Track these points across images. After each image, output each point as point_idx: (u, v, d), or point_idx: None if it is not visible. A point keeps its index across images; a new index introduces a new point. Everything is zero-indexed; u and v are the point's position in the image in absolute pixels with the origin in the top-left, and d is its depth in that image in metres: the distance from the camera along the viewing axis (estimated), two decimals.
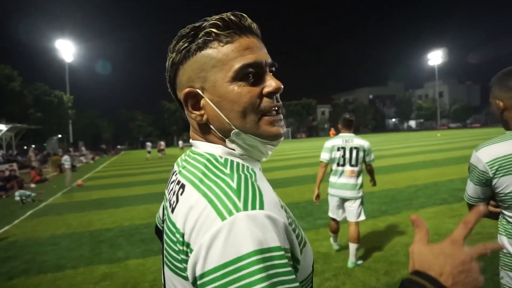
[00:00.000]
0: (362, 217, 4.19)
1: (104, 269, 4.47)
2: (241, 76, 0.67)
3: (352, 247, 4.02)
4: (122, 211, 8.09)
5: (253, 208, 0.57)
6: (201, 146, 0.74)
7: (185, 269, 0.60)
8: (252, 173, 0.68)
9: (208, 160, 0.69)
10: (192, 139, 0.77)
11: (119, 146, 72.80)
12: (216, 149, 0.72)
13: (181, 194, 0.66)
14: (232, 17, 0.69)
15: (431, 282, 0.57)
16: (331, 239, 4.71)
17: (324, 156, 4.34)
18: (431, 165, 12.50)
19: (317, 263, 4.13)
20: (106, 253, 5.13)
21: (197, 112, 0.71)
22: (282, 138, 0.73)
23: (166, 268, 0.67)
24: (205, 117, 0.71)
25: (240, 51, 0.68)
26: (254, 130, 0.69)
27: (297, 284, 0.55)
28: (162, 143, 35.21)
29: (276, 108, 0.71)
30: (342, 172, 4.18)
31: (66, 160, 14.16)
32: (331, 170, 4.34)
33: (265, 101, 0.69)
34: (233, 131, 0.69)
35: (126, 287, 3.89)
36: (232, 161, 0.70)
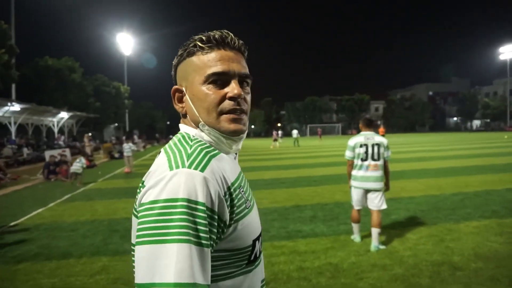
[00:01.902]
0: (384, 206, 4.52)
1: (105, 261, 4.37)
2: (210, 80, 0.84)
3: (375, 231, 4.41)
4: None
5: (196, 169, 0.74)
6: (182, 128, 0.93)
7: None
8: (213, 151, 0.84)
9: (182, 136, 0.89)
10: (180, 124, 0.95)
11: (171, 136, 75.44)
12: (191, 131, 0.90)
13: (156, 157, 0.85)
14: (216, 35, 0.86)
15: None
16: (354, 231, 4.80)
17: (348, 154, 4.66)
18: (489, 170, 11.14)
19: (324, 275, 3.67)
20: (114, 244, 5.06)
21: (180, 105, 0.92)
22: (243, 135, 0.90)
23: (133, 217, 0.82)
24: (184, 109, 0.91)
25: (215, 61, 0.85)
26: (215, 125, 0.86)
27: (206, 236, 0.69)
28: None
29: (238, 109, 0.86)
30: (367, 166, 4.48)
31: (125, 148, 14.70)
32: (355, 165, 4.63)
33: (227, 103, 0.85)
34: (200, 123, 0.87)
35: (117, 283, 3.74)
36: (199, 140, 0.86)
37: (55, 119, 30.29)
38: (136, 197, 0.80)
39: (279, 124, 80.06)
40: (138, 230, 0.69)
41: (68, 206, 7.99)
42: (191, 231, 0.66)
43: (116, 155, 22.82)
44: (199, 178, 0.72)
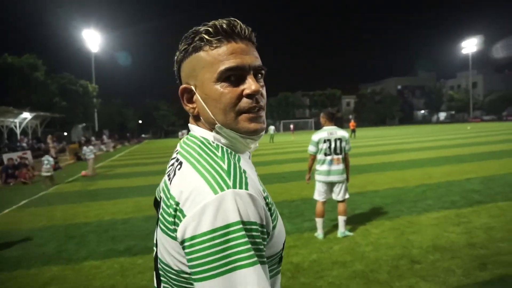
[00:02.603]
0: (347, 195, 4.78)
1: (56, 271, 4.12)
2: (223, 77, 0.77)
3: (341, 219, 4.70)
4: (111, 204, 7.80)
5: (240, 187, 0.69)
6: (197, 130, 0.86)
7: (174, 231, 0.70)
8: (234, 156, 0.81)
9: (202, 142, 0.82)
10: (190, 124, 0.89)
11: (143, 135, 74.04)
12: (209, 135, 0.83)
13: (179, 169, 0.77)
14: (223, 24, 0.78)
15: None
16: (317, 226, 4.77)
17: (311, 149, 4.81)
18: (452, 161, 11.51)
19: (284, 276, 3.59)
20: (68, 251, 4.80)
21: (190, 105, 0.85)
22: (263, 133, 0.83)
23: (158, 229, 0.79)
24: (196, 110, 0.84)
25: (226, 55, 0.77)
26: (234, 126, 0.79)
27: (264, 253, 0.68)
28: (185, 131, 35.70)
29: (256, 107, 0.79)
30: (331, 160, 4.66)
31: (86, 151, 13.74)
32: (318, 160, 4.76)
33: (244, 101, 0.78)
34: (216, 125, 0.80)
35: None
36: (222, 147, 0.81)
37: (17, 120, 28.85)
38: (164, 212, 0.74)
39: None
40: (198, 265, 0.64)
41: (24, 213, 7.57)
42: (256, 252, 0.65)
43: (83, 156, 22.00)
44: (246, 198, 0.68)
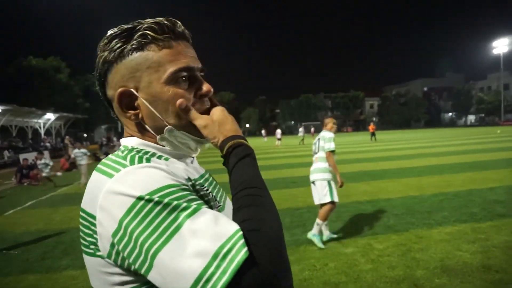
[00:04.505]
0: (327, 199, 4.55)
1: (32, 280, 3.92)
2: (175, 78, 0.72)
3: (319, 223, 4.56)
4: None
5: (140, 162, 0.66)
6: (122, 141, 0.79)
7: (94, 243, 0.64)
8: (154, 160, 0.70)
9: (119, 149, 0.75)
10: (123, 139, 0.79)
11: None
12: (131, 141, 0.77)
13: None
14: (166, 22, 0.73)
15: (240, 138, 0.75)
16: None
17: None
18: (476, 167, 10.72)
19: None
20: (52, 258, 4.60)
21: (132, 112, 0.75)
22: None
23: (84, 255, 0.68)
24: (140, 115, 0.75)
25: (175, 55, 0.73)
26: (187, 128, 0.76)
27: (199, 200, 0.64)
28: None
29: (208, 108, 0.78)
30: (314, 160, 4.91)
31: (76, 154, 11.63)
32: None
33: (197, 103, 0.76)
34: (166, 128, 0.75)
35: None
36: (139, 149, 0.74)
37: (41, 121, 29.72)
38: (82, 233, 0.68)
39: (273, 123, 79.72)
40: (131, 251, 0.58)
41: (26, 214, 7.53)
42: (187, 203, 0.60)
43: (102, 157, 22.32)
44: (148, 167, 0.65)
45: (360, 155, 17.08)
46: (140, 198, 0.58)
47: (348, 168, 12.06)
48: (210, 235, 0.56)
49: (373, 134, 29.00)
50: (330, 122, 5.01)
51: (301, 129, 32.68)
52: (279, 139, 31.42)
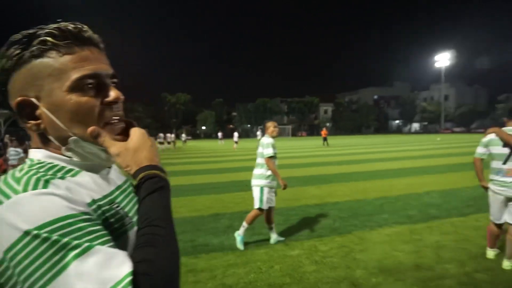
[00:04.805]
0: (256, 205, 4.67)
1: None
2: (79, 86, 0.68)
3: (243, 224, 4.70)
4: None
5: (35, 187, 0.61)
6: (29, 153, 0.75)
7: None
8: (54, 183, 0.65)
9: (24, 163, 0.71)
10: (30, 150, 0.76)
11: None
12: (37, 153, 0.72)
13: None
14: (70, 28, 0.69)
15: (155, 168, 0.71)
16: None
17: None
18: (416, 172, 11.48)
19: None
20: None
21: (33, 122, 0.71)
22: None
23: None
24: (42, 126, 0.71)
25: (79, 62, 0.69)
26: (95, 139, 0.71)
27: (96, 233, 0.59)
28: (171, 135, 35.71)
29: (118, 117, 0.74)
30: None
31: (11, 153, 10.68)
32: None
33: (105, 111, 0.72)
34: (71, 139, 0.71)
35: None
36: (44, 163, 0.70)
37: None
38: None
39: (230, 126, 79.74)
40: (13, 286, 0.56)
41: None
42: (76, 240, 0.57)
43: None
44: (43, 195, 0.60)
45: (312, 160, 17.61)
46: (27, 233, 0.55)
47: (300, 172, 12.39)
48: (97, 279, 0.54)
49: (325, 139, 30.00)
50: (270, 126, 4.96)
51: (259, 133, 32.96)
52: (236, 142, 31.49)
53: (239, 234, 4.68)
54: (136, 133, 0.75)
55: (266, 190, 4.67)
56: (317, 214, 6.33)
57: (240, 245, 4.61)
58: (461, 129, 72.27)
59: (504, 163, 3.67)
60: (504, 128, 3.78)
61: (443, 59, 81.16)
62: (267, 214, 4.83)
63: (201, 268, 4.03)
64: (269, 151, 4.66)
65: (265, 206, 4.65)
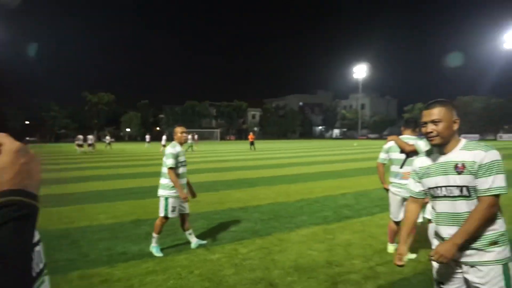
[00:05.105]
0: (160, 213, 4.63)
1: None
2: None
3: (153, 235, 4.65)
4: None
5: None
6: None
7: None
8: None
9: None
10: None
11: (28, 138, 65.34)
12: None
13: None
14: None
15: (16, 193, 0.62)
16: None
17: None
18: (334, 175, 12.34)
19: None
20: None
21: None
22: None
23: None
24: None
25: None
26: None
27: None
28: (91, 137, 33.11)
29: None
30: None
31: None
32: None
33: None
34: None
35: None
36: None
37: None
38: None
39: (157, 128, 77.16)
40: None
41: None
42: None
43: None
44: None
45: (239, 163, 17.85)
46: None
47: (227, 176, 12.50)
48: None
49: (252, 143, 30.65)
50: (178, 131, 4.76)
51: (189, 136, 32.42)
52: (164, 145, 30.60)
53: (152, 246, 4.58)
54: (5, 150, 0.66)
55: (171, 200, 4.55)
56: (240, 217, 6.44)
57: (157, 254, 4.51)
58: (375, 135, 79.25)
59: (401, 167, 4.15)
60: (401, 136, 4.28)
61: (360, 71, 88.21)
62: (181, 221, 4.80)
63: (117, 277, 3.85)
64: (169, 162, 4.50)
65: (170, 215, 4.57)
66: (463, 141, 1.99)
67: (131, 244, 5.01)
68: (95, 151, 31.09)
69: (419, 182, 2.15)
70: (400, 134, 4.46)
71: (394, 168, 4.26)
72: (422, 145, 3.96)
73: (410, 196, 2.25)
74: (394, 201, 4.28)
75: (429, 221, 4.03)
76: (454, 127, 1.97)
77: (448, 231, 1.97)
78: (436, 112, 1.95)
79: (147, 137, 43.16)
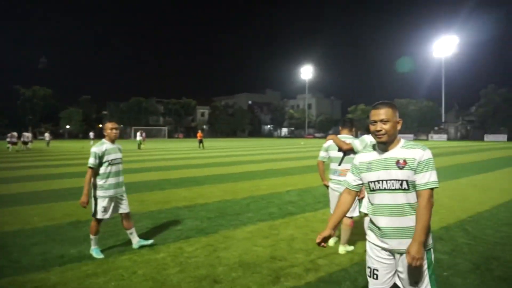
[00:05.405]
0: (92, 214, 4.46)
1: None
2: None
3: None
4: None
5: None
6: None
7: None
8: None
9: None
10: None
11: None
12: None
13: None
14: None
15: None
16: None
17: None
18: (280, 173, 12.65)
19: None
20: None
21: None
22: None
23: None
24: None
25: None
26: None
27: None
28: (28, 134, 30.65)
29: None
30: None
31: None
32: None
33: None
34: None
35: None
36: None
37: None
38: None
39: (100, 125, 73.38)
40: None
41: None
42: None
43: None
44: None
45: (186, 162, 17.61)
46: None
47: (173, 174, 12.29)
48: None
49: (200, 141, 30.36)
50: (107, 127, 4.48)
51: (138, 133, 31.46)
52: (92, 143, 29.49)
53: (91, 248, 4.41)
54: None
55: (100, 201, 4.36)
56: (186, 216, 6.39)
57: (98, 256, 4.34)
58: (321, 134, 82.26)
59: (339, 164, 4.40)
60: (339, 135, 4.54)
61: (306, 72, 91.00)
62: (122, 221, 4.66)
63: (53, 282, 3.65)
64: (89, 161, 4.32)
65: (100, 216, 4.37)
66: (402, 141, 2.18)
67: (69, 247, 4.76)
68: (27, 150, 28.82)
69: (358, 177, 2.30)
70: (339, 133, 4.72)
71: (333, 166, 4.50)
72: (358, 143, 4.23)
73: (346, 188, 2.39)
74: (333, 197, 4.52)
75: (365, 215, 4.31)
76: (398, 127, 2.16)
77: (385, 221, 2.15)
78: (384, 112, 2.11)
79: (91, 134, 40.98)
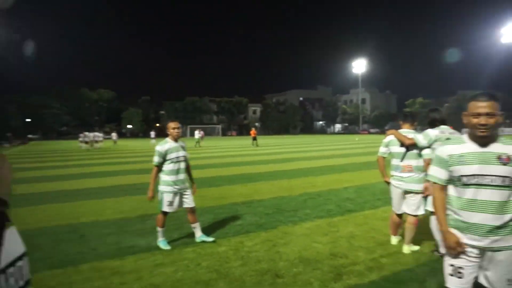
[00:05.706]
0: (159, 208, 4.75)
1: None
2: None
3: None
4: None
5: None
6: None
7: None
8: None
9: None
10: None
11: (30, 136, 65.48)
12: None
13: None
14: None
15: None
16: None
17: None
18: (336, 170, 12.41)
19: None
20: None
21: None
22: None
23: None
24: None
25: None
26: None
27: None
28: (99, 134, 33.60)
29: None
30: None
31: None
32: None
33: None
34: None
35: None
36: None
37: None
38: None
39: (158, 124, 77.26)
40: None
41: None
42: None
43: None
44: None
45: (240, 159, 17.94)
46: None
47: (228, 171, 12.60)
48: None
49: (254, 138, 30.71)
50: (170, 127, 4.77)
51: (197, 131, 32.60)
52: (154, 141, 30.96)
53: (158, 240, 4.70)
54: None
55: (165, 195, 4.64)
56: (243, 211, 6.54)
57: (165, 247, 4.61)
58: (376, 130, 79.18)
59: (402, 160, 4.23)
60: (400, 130, 4.36)
61: (359, 66, 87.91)
62: (188, 215, 4.89)
63: (128, 269, 3.96)
64: (154, 159, 4.66)
65: (166, 209, 4.65)
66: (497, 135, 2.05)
67: (138, 238, 5.11)
68: (92, 149, 31.10)
69: (447, 170, 2.15)
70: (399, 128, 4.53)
71: (395, 162, 4.34)
72: (421, 138, 4.04)
73: (435, 183, 2.23)
74: (395, 194, 4.36)
75: (431, 213, 4.11)
76: (500, 120, 2.03)
77: (479, 217, 2.02)
78: (490, 105, 1.98)
79: (152, 133, 43.00)
